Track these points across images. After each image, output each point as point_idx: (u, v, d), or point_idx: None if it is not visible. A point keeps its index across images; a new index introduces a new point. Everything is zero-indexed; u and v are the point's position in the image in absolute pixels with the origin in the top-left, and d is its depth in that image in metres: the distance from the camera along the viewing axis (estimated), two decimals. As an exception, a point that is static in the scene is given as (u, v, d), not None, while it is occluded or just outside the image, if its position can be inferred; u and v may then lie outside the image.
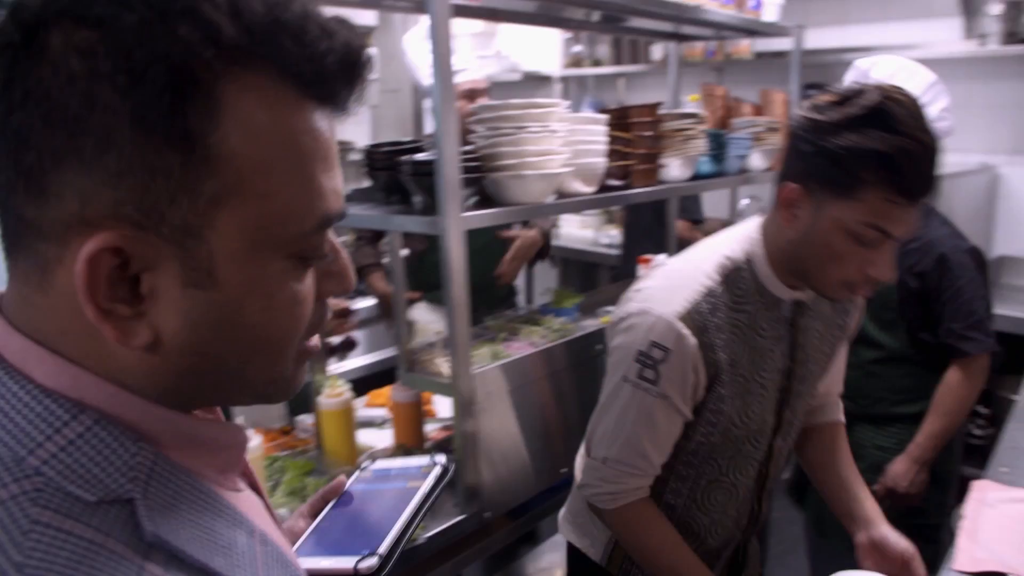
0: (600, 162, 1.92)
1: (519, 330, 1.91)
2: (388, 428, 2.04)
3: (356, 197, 1.92)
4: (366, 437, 1.92)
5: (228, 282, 0.52)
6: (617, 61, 4.86)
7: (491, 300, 2.82)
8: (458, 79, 2.85)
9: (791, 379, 1.42)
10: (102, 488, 0.50)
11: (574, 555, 1.60)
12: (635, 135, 2.06)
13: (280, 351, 0.57)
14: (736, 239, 1.39)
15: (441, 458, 0.97)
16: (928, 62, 3.97)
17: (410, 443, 1.82)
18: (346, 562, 0.83)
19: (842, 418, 1.67)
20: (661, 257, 3.04)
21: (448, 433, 1.96)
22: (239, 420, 1.63)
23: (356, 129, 4.70)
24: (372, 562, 0.81)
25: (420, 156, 1.63)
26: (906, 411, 2.21)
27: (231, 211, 0.51)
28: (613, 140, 1.96)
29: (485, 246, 2.72)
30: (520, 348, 1.80)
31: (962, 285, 2.08)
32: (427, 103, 5.25)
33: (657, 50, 4.63)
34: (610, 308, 2.18)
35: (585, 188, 1.90)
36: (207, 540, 0.54)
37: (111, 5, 0.47)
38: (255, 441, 1.58)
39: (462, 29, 5.24)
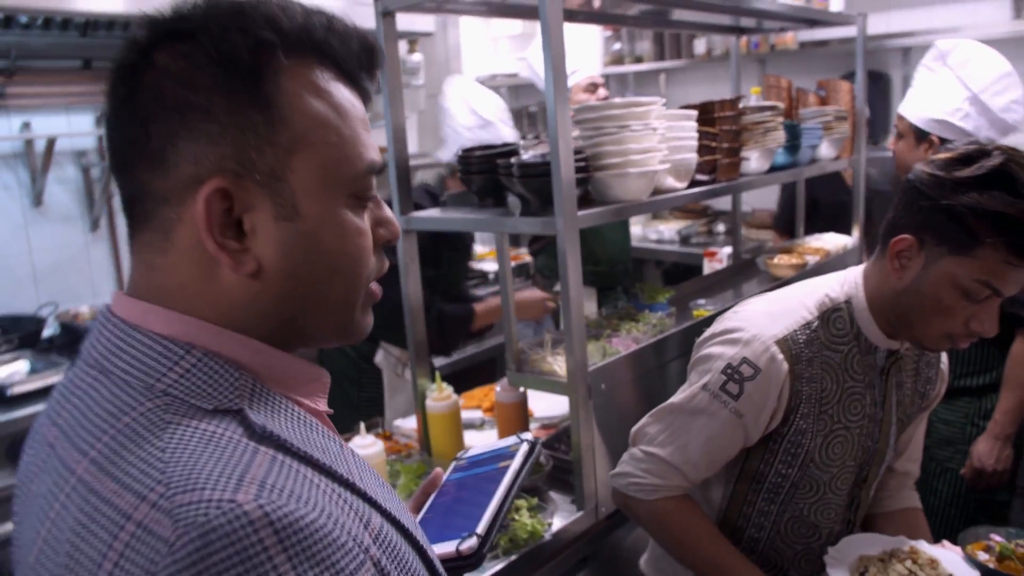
0: (692, 158, 1.93)
1: (619, 326, 1.92)
2: (488, 429, 2.06)
3: (451, 202, 1.95)
4: (469, 439, 1.94)
5: (309, 214, 0.68)
6: (659, 57, 4.86)
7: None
8: (577, 77, 2.89)
9: (879, 429, 1.44)
10: (216, 400, 0.64)
11: None
12: (720, 129, 2.07)
13: (354, 276, 0.72)
14: (839, 281, 1.43)
15: (527, 435, 1.06)
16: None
17: (518, 442, 1.83)
18: (449, 547, 0.90)
19: (919, 504, 1.64)
20: (727, 251, 3.05)
21: (550, 432, 1.98)
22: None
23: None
24: (472, 542, 0.90)
25: (529, 158, 1.65)
26: (970, 384, 2.23)
27: (303, 156, 0.68)
28: (700, 135, 1.98)
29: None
30: (624, 343, 1.81)
31: None
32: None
33: (700, 44, 4.62)
34: (701, 301, 2.19)
35: (678, 184, 1.92)
36: (306, 439, 0.66)
37: (201, 19, 0.66)
38: (377, 447, 1.61)
39: (501, 31, 5.29)
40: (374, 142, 0.74)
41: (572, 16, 2.17)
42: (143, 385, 0.64)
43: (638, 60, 4.95)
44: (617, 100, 1.72)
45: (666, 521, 1.42)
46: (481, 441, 1.94)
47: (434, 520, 1.00)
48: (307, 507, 0.57)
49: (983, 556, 1.30)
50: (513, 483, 0.98)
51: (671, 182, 1.90)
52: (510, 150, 1.85)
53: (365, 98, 0.75)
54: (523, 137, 5.21)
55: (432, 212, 1.88)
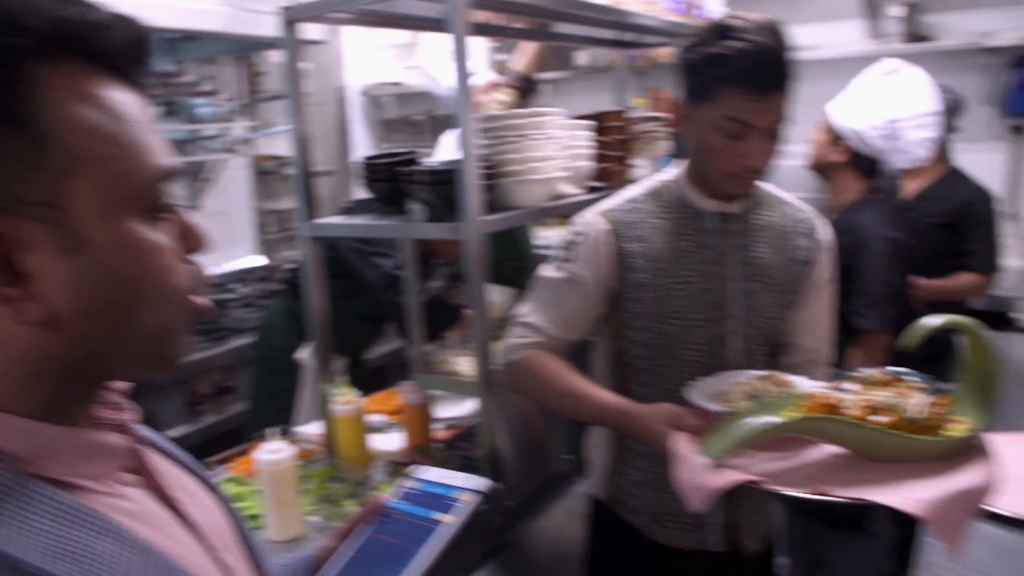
0: (587, 165, 2.03)
1: (520, 329, 1.99)
2: (393, 432, 2.08)
3: (354, 209, 1.97)
4: (374, 442, 1.96)
5: (97, 241, 0.59)
6: (542, 68, 4.98)
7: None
8: (477, 80, 2.94)
9: (723, 285, 1.54)
10: None
11: (592, 506, 1.74)
12: (611, 138, 2.17)
13: (162, 298, 0.64)
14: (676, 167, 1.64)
15: (479, 483, 0.89)
16: (835, 61, 4.29)
17: (423, 444, 1.87)
18: None
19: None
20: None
21: (454, 432, 2.02)
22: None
23: (287, 142, 4.68)
24: None
25: (436, 165, 1.70)
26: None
27: (80, 177, 0.58)
28: (593, 144, 2.07)
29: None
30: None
31: (870, 267, 2.26)
32: (354, 113, 5.27)
33: (581, 57, 4.77)
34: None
35: (574, 191, 2.01)
36: (56, 548, 0.56)
37: None
38: (288, 452, 1.61)
39: (386, 40, 5.30)
40: (162, 144, 0.65)
41: (428, 24, 2.23)
42: None
43: (523, 71, 5.06)
44: (519, 111, 1.80)
45: (530, 369, 1.56)
46: (386, 444, 1.98)
47: (356, 565, 0.87)
48: None
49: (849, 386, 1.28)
50: (442, 550, 0.83)
51: (568, 188, 1.98)
52: (411, 157, 1.89)
53: (144, 95, 0.65)
54: (410, 146, 5.23)
55: (338, 219, 1.90)
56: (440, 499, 0.88)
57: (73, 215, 0.58)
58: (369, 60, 5.32)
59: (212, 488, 0.84)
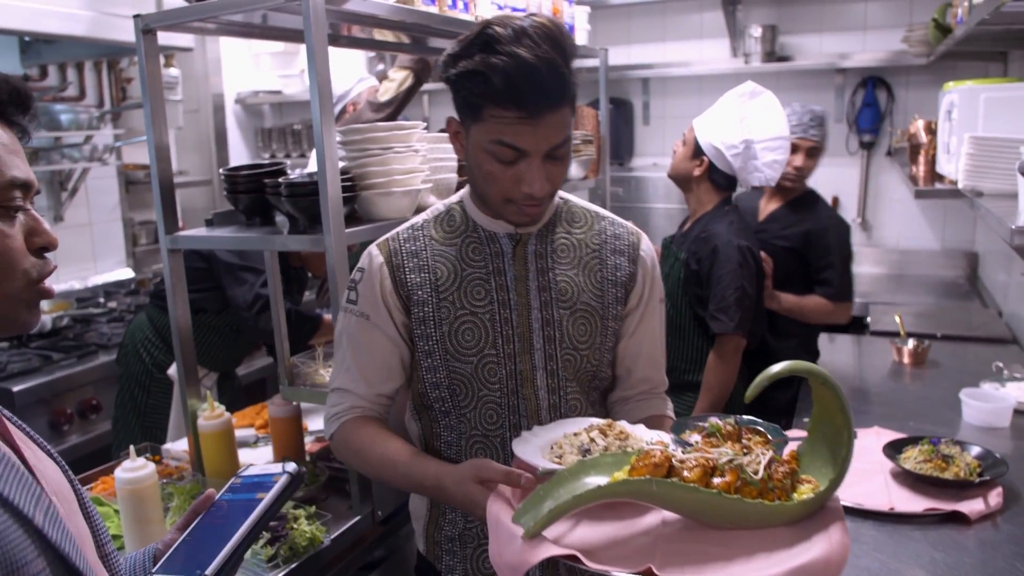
0: (453, 177, 2.07)
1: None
2: (263, 446, 2.07)
3: (218, 221, 1.95)
4: (244, 457, 1.94)
5: None
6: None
7: None
8: (362, 86, 2.94)
9: (519, 315, 1.38)
10: None
11: (417, 560, 1.59)
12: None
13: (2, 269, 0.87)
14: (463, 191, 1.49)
15: (291, 466, 1.09)
16: (701, 77, 4.49)
17: (291, 456, 1.87)
18: None
19: (669, 413, 1.55)
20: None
21: (323, 445, 2.02)
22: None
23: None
24: None
25: (296, 177, 1.70)
26: (694, 379, 2.51)
27: None
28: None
29: None
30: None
31: (723, 274, 2.40)
32: (231, 121, 5.16)
33: (460, 68, 4.83)
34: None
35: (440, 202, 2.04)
36: None
37: None
38: (149, 469, 1.58)
39: (263, 48, 5.21)
40: (17, 163, 0.89)
41: (335, 40, 2.24)
42: None
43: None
44: (381, 123, 1.82)
45: (345, 441, 1.42)
46: (258, 459, 1.96)
47: (187, 546, 1.04)
48: None
49: (694, 438, 1.17)
50: (261, 518, 1.03)
51: (433, 200, 2.02)
52: (278, 169, 1.88)
53: (17, 127, 0.92)
54: (287, 156, 5.17)
55: (199, 231, 1.88)
56: (260, 484, 1.08)
57: None
58: (246, 68, 5.23)
59: (53, 457, 1.01)
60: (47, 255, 0.93)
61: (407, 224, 1.46)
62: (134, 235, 4.17)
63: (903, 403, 2.37)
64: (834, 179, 4.23)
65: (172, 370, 2.45)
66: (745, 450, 1.09)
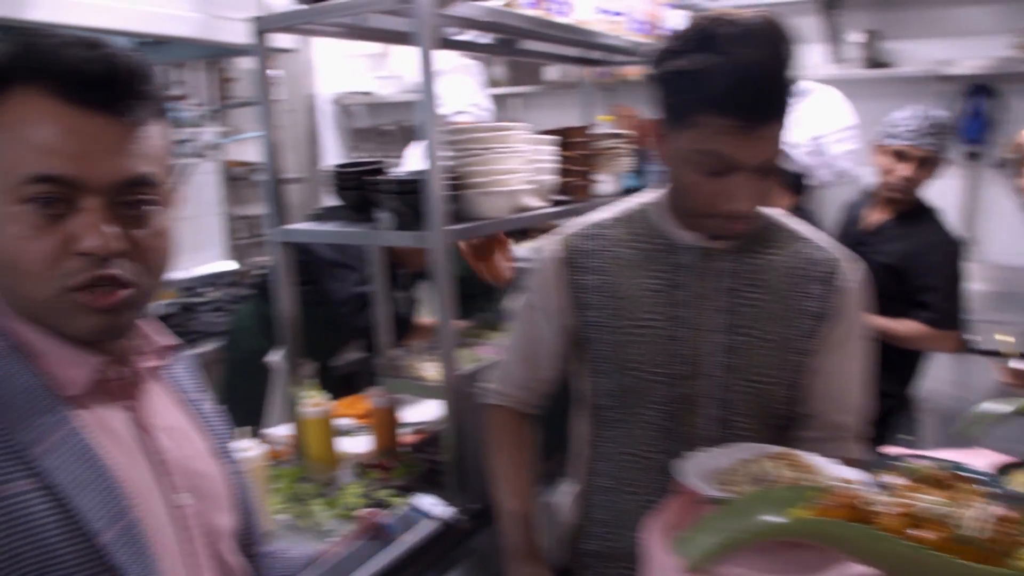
0: (552, 179, 2.09)
1: (484, 335, 2.05)
2: (361, 435, 2.13)
3: (324, 216, 2.02)
4: (342, 444, 2.00)
5: None
6: (514, 82, 5.06)
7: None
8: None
9: (700, 337, 1.28)
10: None
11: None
12: (575, 153, 2.24)
13: (21, 275, 0.79)
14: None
15: (447, 512, 1.20)
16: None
17: (389, 447, 1.92)
18: None
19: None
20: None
21: (420, 436, 2.07)
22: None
23: (260, 150, 4.71)
24: None
25: (403, 175, 1.75)
26: None
27: None
28: (558, 159, 2.14)
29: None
30: (491, 351, 1.93)
31: None
32: (325, 122, 5.30)
33: (551, 71, 4.86)
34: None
35: (538, 203, 2.07)
36: (11, 408, 0.78)
37: None
38: (258, 451, 1.65)
39: (357, 49, 5.34)
40: (71, 153, 0.78)
41: (396, 38, 2.29)
42: None
43: (495, 84, 5.14)
44: (483, 124, 1.86)
45: (489, 426, 1.50)
46: (355, 447, 2.02)
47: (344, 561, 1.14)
48: None
49: (891, 480, 0.98)
50: (399, 563, 1.17)
51: (532, 201, 2.05)
52: (380, 167, 1.94)
53: (103, 110, 0.79)
54: (381, 155, 5.28)
55: (306, 225, 1.95)
56: (411, 521, 1.15)
57: None
58: (340, 69, 5.37)
59: (224, 453, 1.03)
60: (114, 261, 0.81)
61: (592, 219, 1.40)
62: (234, 229, 4.33)
63: (1010, 425, 2.28)
64: (934, 192, 4.09)
65: (273, 357, 2.55)
66: (954, 501, 0.89)
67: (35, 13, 2.72)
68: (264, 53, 1.89)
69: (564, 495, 1.55)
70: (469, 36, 2.30)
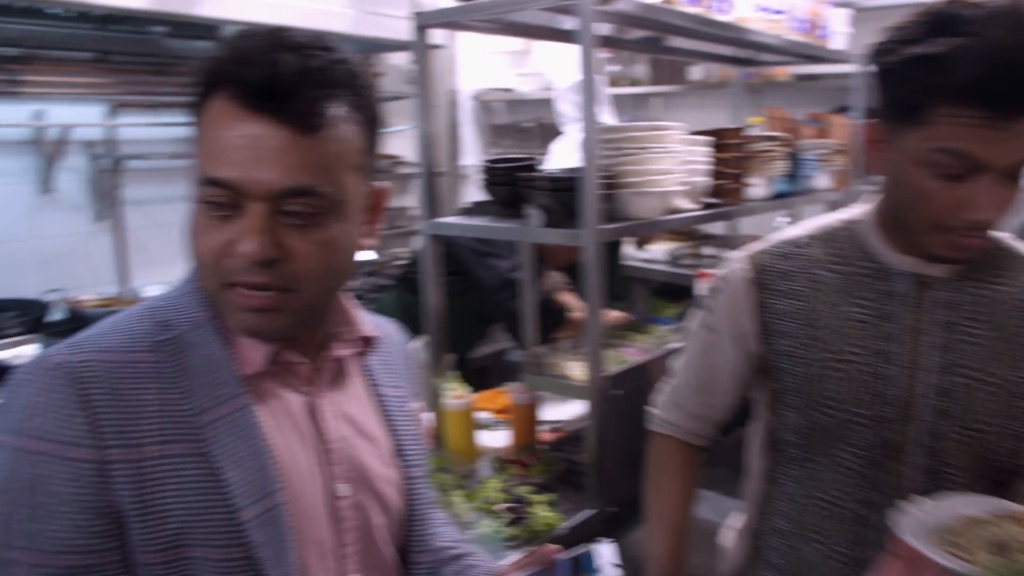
0: (704, 181, 2.04)
1: (628, 336, 2.02)
2: (499, 430, 2.14)
3: (473, 210, 2.04)
4: (481, 438, 2.02)
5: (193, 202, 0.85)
6: (655, 81, 4.99)
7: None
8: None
9: (911, 376, 1.12)
10: (172, 317, 0.88)
11: None
12: (729, 155, 2.18)
13: (201, 267, 0.85)
14: (860, 206, 1.23)
15: None
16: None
17: (528, 443, 1.92)
18: None
19: None
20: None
21: (558, 435, 2.07)
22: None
23: (402, 144, 4.82)
24: None
25: (557, 172, 1.75)
26: None
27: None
28: (711, 161, 2.09)
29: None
30: (635, 353, 1.91)
31: None
32: (464, 117, 5.38)
33: (696, 71, 4.76)
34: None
35: (689, 205, 2.02)
36: (197, 371, 0.85)
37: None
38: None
39: (499, 46, 5.40)
40: (235, 160, 0.79)
41: (557, 35, 2.28)
42: (170, 294, 0.92)
43: (634, 83, 5.08)
44: (640, 123, 1.83)
45: (651, 457, 1.39)
46: (494, 441, 2.04)
47: None
48: (89, 379, 0.80)
49: None
50: None
51: (683, 203, 2.00)
52: (529, 164, 1.94)
53: (275, 117, 0.79)
54: (518, 152, 5.31)
55: (458, 219, 1.98)
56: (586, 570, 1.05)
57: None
58: (482, 65, 5.44)
59: (402, 454, 1.03)
60: (263, 268, 0.82)
61: (784, 236, 1.26)
62: (375, 220, 4.46)
63: None
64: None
65: (415, 346, 2.60)
66: None
67: (201, 9, 2.87)
68: (424, 48, 1.92)
69: (728, 527, 1.45)
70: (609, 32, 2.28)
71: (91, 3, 2.71)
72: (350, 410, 0.98)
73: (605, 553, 1.08)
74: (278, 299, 0.83)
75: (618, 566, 1.06)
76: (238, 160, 0.79)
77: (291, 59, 0.79)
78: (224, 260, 0.82)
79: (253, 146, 0.79)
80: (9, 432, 0.79)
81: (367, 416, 1.01)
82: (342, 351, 0.97)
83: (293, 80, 0.79)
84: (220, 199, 0.81)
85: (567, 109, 3.24)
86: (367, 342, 1.00)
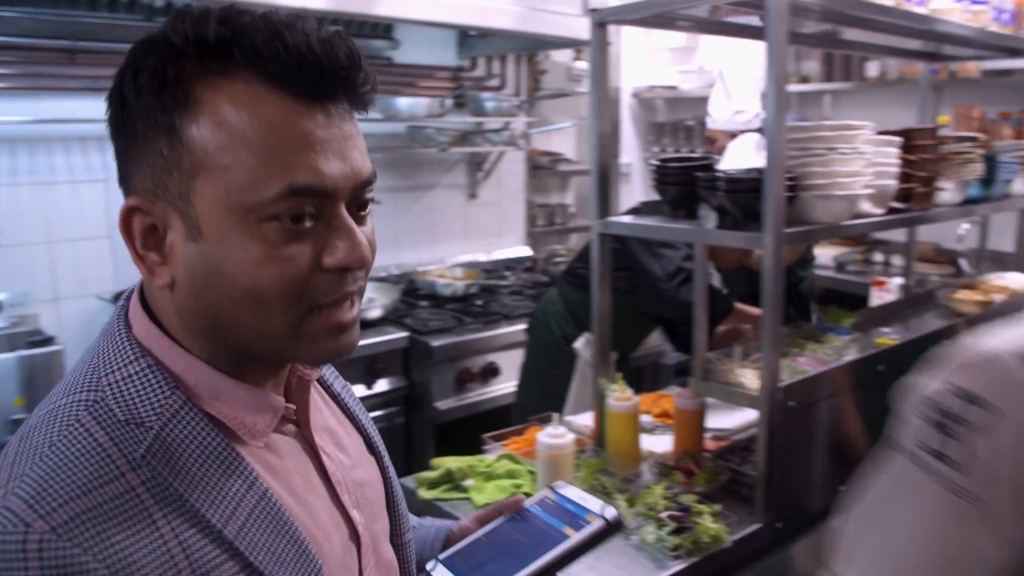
0: (893, 184, 1.92)
1: (803, 345, 1.93)
2: (660, 434, 2.10)
3: (643, 210, 2.01)
4: (642, 442, 1.98)
5: (211, 236, 0.68)
6: (826, 78, 4.77)
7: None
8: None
9: None
10: (133, 412, 0.68)
11: None
12: (919, 157, 2.04)
13: (262, 303, 0.68)
14: None
15: (611, 512, 0.95)
16: None
17: (693, 449, 1.87)
18: None
19: None
20: (896, 281, 2.98)
21: (722, 444, 2.00)
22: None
23: (564, 141, 4.83)
24: None
25: (737, 172, 1.69)
26: None
27: (204, 180, 0.67)
28: (901, 162, 1.96)
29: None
30: (810, 364, 1.82)
31: None
32: (625, 115, 5.33)
33: (872, 67, 4.51)
34: (885, 329, 2.17)
35: (875, 209, 1.91)
36: (197, 479, 0.69)
37: (148, 37, 0.69)
38: (568, 439, 1.68)
39: (661, 43, 5.31)
40: (316, 161, 0.67)
41: (739, 30, 2.19)
42: (92, 374, 0.71)
43: (803, 80, 4.88)
44: (827, 123, 1.74)
45: None
46: (656, 445, 1.99)
47: (479, 547, 0.97)
48: (87, 550, 0.60)
49: None
50: (559, 560, 0.91)
51: (868, 207, 1.89)
52: (707, 163, 1.89)
53: (327, 103, 0.69)
54: (676, 151, 5.22)
55: (630, 218, 1.95)
56: (572, 516, 0.96)
57: (197, 210, 0.68)
58: (643, 63, 5.36)
59: (373, 450, 0.95)
60: (353, 275, 0.72)
61: None
62: (533, 216, 4.48)
63: None
64: None
65: (578, 343, 2.59)
66: None
67: (378, 8, 2.95)
68: (601, 45, 1.89)
69: None
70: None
71: (273, 4, 2.84)
72: (326, 423, 0.88)
73: (569, 489, 1.03)
74: (358, 311, 0.75)
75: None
76: (324, 158, 0.68)
77: (334, 42, 0.68)
78: (314, 281, 0.69)
79: (331, 138, 0.69)
80: None
81: (337, 423, 0.91)
82: (309, 372, 0.84)
83: (348, 62, 0.69)
84: (307, 208, 0.68)
85: (718, 110, 3.15)
86: None
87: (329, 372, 0.96)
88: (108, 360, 0.71)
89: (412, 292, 3.62)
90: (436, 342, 3.04)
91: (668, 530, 1.57)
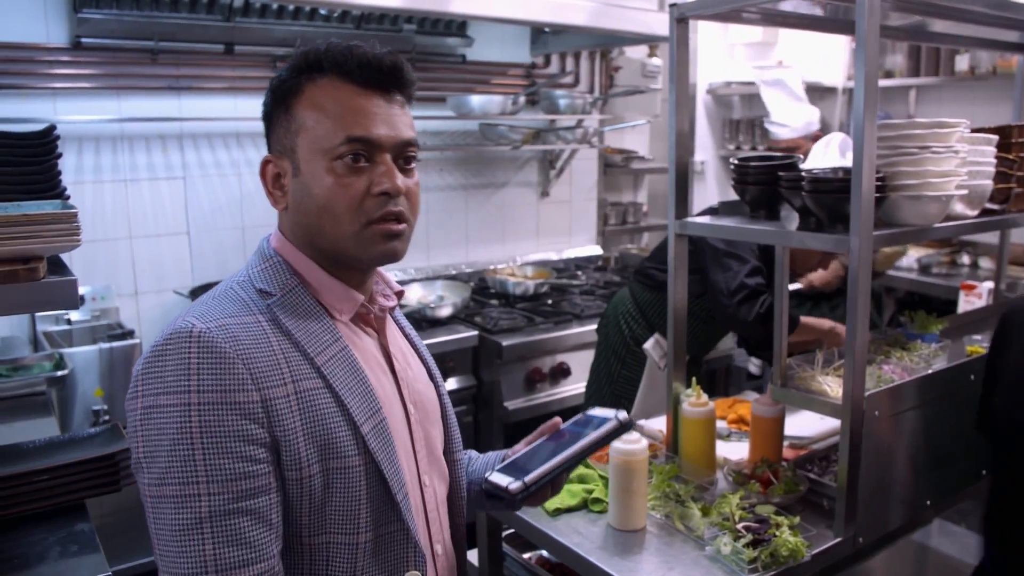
0: (988, 185, 1.83)
1: (889, 353, 1.85)
2: (735, 441, 2.04)
3: (721, 210, 1.95)
4: (718, 448, 1.93)
5: (305, 172, 1.08)
6: (913, 73, 4.60)
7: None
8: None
9: None
10: (265, 285, 1.09)
11: None
12: (1016, 156, 1.94)
13: (336, 214, 1.06)
14: None
15: (623, 415, 1.25)
16: None
17: (771, 458, 1.81)
18: (504, 479, 1.16)
19: None
20: (987, 285, 2.85)
21: (799, 453, 1.94)
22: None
23: (637, 138, 4.77)
24: (517, 486, 1.14)
25: (822, 172, 1.62)
26: None
27: (302, 137, 1.08)
28: (996, 162, 1.87)
29: None
30: (895, 372, 1.74)
31: None
32: (699, 111, 5.24)
33: (962, 61, 4.34)
34: (977, 337, 2.07)
35: (969, 211, 1.82)
36: (302, 325, 1.07)
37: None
38: (642, 444, 1.64)
39: (738, 38, 5.19)
40: (371, 122, 1.06)
41: (826, 25, 2.11)
42: (246, 269, 1.12)
43: (888, 75, 4.71)
44: (919, 120, 1.66)
45: None
46: (730, 452, 1.94)
47: (525, 456, 1.25)
48: (225, 340, 0.98)
49: None
50: (581, 452, 1.20)
51: (961, 208, 1.80)
52: (791, 163, 1.82)
53: (383, 92, 1.09)
54: (752, 148, 5.10)
55: (707, 219, 1.89)
56: (594, 423, 1.25)
57: (298, 156, 1.08)
58: (719, 59, 5.25)
59: (432, 379, 1.30)
60: (399, 200, 1.08)
61: None
62: (605, 215, 4.43)
63: None
64: None
65: (648, 344, 2.55)
66: None
67: (452, 6, 2.95)
68: (682, 41, 1.84)
69: None
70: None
71: (352, 3, 2.86)
72: (401, 346, 1.24)
73: (598, 411, 1.29)
74: (405, 227, 1.10)
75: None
76: (374, 122, 1.07)
77: (383, 55, 1.09)
78: (365, 202, 1.06)
79: (382, 112, 1.08)
80: (170, 393, 0.95)
81: (408, 350, 1.26)
82: (387, 302, 1.22)
83: (395, 68, 1.09)
84: (360, 151, 1.06)
85: (790, 116, 3.06)
86: (399, 295, 1.26)
87: (404, 320, 1.32)
88: (255, 260, 1.13)
89: (483, 291, 3.61)
90: (506, 341, 3.03)
91: (744, 542, 1.52)
